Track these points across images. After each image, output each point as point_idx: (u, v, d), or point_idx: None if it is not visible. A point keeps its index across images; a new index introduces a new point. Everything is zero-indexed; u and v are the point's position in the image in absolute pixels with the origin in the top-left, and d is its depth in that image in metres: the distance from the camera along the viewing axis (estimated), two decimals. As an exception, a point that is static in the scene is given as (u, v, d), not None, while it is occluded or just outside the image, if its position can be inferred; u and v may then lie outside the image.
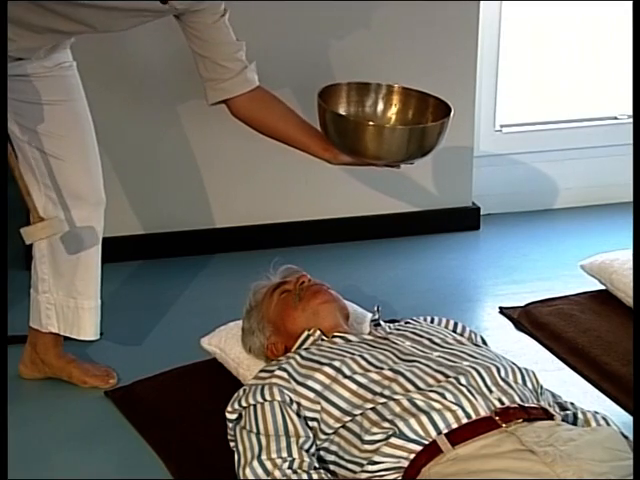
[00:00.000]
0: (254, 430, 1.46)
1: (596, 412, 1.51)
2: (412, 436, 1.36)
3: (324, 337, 1.65)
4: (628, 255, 2.17)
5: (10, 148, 1.65)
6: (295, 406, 1.48)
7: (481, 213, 2.76)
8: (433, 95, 1.69)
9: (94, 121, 1.81)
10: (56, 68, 1.72)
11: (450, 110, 1.63)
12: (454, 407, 1.38)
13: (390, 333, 1.64)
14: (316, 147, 1.67)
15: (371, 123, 1.61)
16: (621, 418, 1.66)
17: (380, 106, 1.70)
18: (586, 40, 2.79)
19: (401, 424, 1.37)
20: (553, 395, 1.59)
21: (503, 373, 1.47)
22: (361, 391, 1.46)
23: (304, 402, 1.48)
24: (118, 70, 2.38)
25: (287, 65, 2.46)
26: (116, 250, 2.47)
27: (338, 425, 1.45)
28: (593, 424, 1.47)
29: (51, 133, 1.72)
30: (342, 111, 1.67)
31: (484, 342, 1.71)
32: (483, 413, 1.37)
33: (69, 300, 1.84)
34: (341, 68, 2.50)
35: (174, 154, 2.49)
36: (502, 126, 2.82)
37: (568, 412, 1.50)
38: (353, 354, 1.54)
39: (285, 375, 1.52)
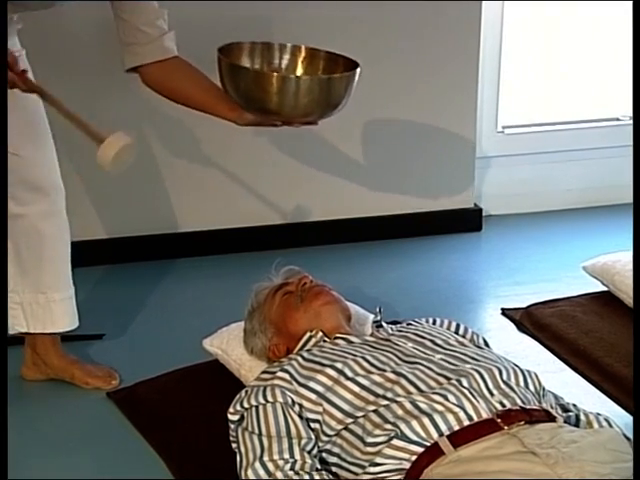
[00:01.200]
0: (256, 431, 1.46)
1: (598, 414, 1.51)
2: (414, 438, 1.36)
3: (326, 338, 1.65)
4: (630, 256, 2.16)
5: (52, 100, 1.53)
6: (297, 407, 1.48)
7: (483, 214, 2.77)
8: (342, 55, 1.61)
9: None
10: None
11: (358, 66, 1.56)
12: (456, 409, 1.38)
13: (392, 335, 1.64)
14: (222, 108, 1.60)
15: (274, 74, 1.53)
16: (623, 419, 1.66)
17: (286, 64, 1.63)
18: (588, 41, 2.79)
19: (403, 426, 1.37)
20: (555, 397, 1.59)
21: (505, 375, 1.47)
22: (363, 393, 1.46)
23: (306, 404, 1.48)
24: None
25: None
26: (117, 251, 2.49)
27: (340, 427, 1.45)
28: (595, 426, 1.47)
29: (15, 128, 1.66)
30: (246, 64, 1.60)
31: (486, 344, 1.71)
32: (485, 415, 1.37)
33: (38, 296, 1.81)
34: None
35: (176, 154, 2.49)
36: (504, 127, 2.82)
37: (570, 414, 1.50)
38: (355, 356, 1.54)
39: (287, 376, 1.52)
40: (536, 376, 1.51)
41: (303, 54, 1.64)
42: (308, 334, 1.66)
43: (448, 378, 1.45)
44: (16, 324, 1.84)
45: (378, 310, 1.75)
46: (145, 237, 2.52)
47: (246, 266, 2.43)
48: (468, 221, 2.74)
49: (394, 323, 1.80)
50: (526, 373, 1.50)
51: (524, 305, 2.21)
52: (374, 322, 1.74)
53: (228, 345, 1.84)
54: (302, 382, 1.50)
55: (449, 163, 2.68)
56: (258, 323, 1.75)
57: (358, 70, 1.57)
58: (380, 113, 2.59)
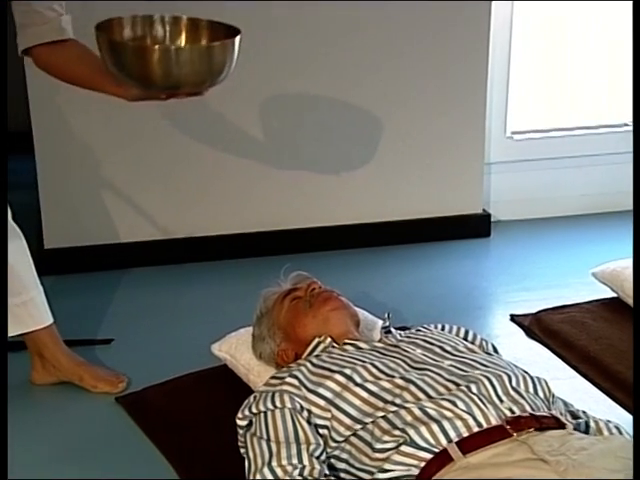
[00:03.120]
0: (264, 437, 1.46)
1: (608, 421, 1.51)
2: (423, 444, 1.36)
3: (335, 344, 1.65)
4: (640, 263, 2.15)
5: None
6: (306, 413, 1.48)
7: (492, 220, 2.76)
8: (223, 23, 1.58)
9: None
10: None
11: (239, 32, 1.53)
12: (465, 415, 1.38)
13: (401, 341, 1.64)
14: (109, 85, 1.57)
15: (154, 46, 1.51)
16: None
17: (168, 36, 1.60)
18: (597, 47, 2.78)
19: (412, 432, 1.36)
20: (565, 403, 1.58)
21: (514, 382, 1.47)
22: (372, 399, 1.46)
23: (315, 409, 1.48)
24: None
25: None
26: (126, 256, 2.49)
27: (349, 433, 1.44)
28: (605, 433, 1.46)
29: None
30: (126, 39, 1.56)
31: (495, 350, 1.71)
32: (494, 422, 1.37)
33: (13, 299, 1.79)
34: (343, 70, 2.50)
35: (185, 160, 2.50)
36: (513, 133, 2.81)
37: (580, 421, 1.49)
38: (364, 362, 1.53)
39: (296, 382, 1.52)
40: (545, 383, 1.51)
41: (184, 24, 1.60)
42: (317, 340, 1.66)
43: (457, 384, 1.45)
44: None
45: (387, 316, 1.75)
46: (154, 242, 2.52)
47: (255, 271, 2.43)
48: (477, 227, 2.73)
49: (403, 329, 1.79)
50: (535, 380, 1.50)
51: (533, 311, 2.20)
52: (383, 328, 1.74)
53: (237, 350, 1.84)
54: (311, 388, 1.50)
55: (458, 168, 2.68)
56: (267, 328, 1.75)
57: (238, 37, 1.52)
58: (388, 118, 2.59)
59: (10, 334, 1.83)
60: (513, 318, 2.21)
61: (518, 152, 2.81)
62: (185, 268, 2.50)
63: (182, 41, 1.59)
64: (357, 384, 1.48)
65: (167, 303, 2.31)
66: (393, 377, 1.49)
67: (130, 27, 1.58)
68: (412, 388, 1.45)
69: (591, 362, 1.95)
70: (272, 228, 2.59)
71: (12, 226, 1.81)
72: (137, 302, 2.30)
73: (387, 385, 1.47)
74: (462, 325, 1.75)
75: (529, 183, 2.83)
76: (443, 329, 1.73)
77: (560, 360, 2.01)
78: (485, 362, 1.53)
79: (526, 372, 1.52)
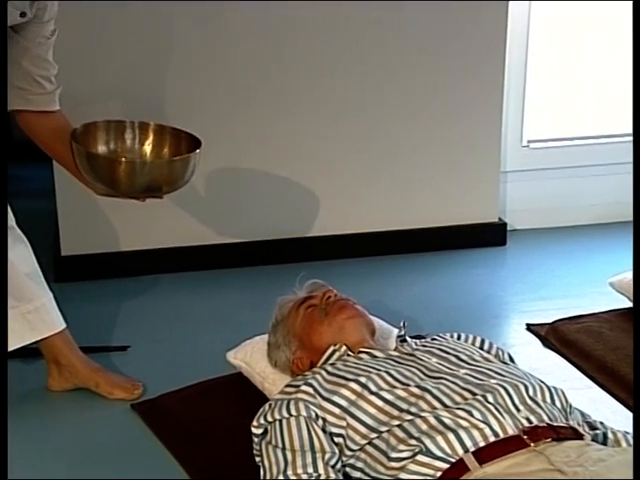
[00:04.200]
0: (280, 445, 1.46)
1: (626, 432, 1.49)
2: (439, 454, 1.35)
3: (350, 352, 1.64)
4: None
5: None
6: (321, 422, 1.47)
7: (508, 229, 2.75)
8: (185, 131, 1.77)
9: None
10: None
11: (199, 146, 1.70)
12: (481, 425, 1.37)
13: (416, 349, 1.63)
14: (83, 178, 1.72)
15: (121, 159, 1.68)
16: (652, 438, 1.63)
17: (137, 142, 1.78)
18: (614, 55, 2.77)
19: (428, 441, 1.36)
20: (582, 414, 1.57)
21: (531, 392, 1.46)
22: (387, 408, 1.45)
23: (330, 418, 1.48)
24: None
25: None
26: (142, 263, 2.50)
27: (364, 442, 1.44)
28: (623, 444, 1.45)
29: None
30: (100, 148, 1.76)
31: (511, 359, 1.70)
32: (511, 432, 1.36)
33: (27, 306, 1.81)
34: (358, 77, 2.50)
35: (200, 168, 2.50)
36: (529, 142, 2.80)
37: (598, 431, 1.48)
38: (379, 370, 1.53)
39: (311, 390, 1.51)
40: (562, 393, 1.50)
41: (151, 132, 1.78)
42: (332, 348, 1.66)
43: (473, 393, 1.44)
44: (12, 343, 1.81)
45: (402, 324, 1.75)
46: (169, 249, 2.53)
47: (270, 279, 2.44)
48: (493, 235, 2.73)
49: (418, 337, 1.79)
50: (552, 390, 1.49)
51: (549, 320, 2.19)
52: (398, 336, 1.73)
53: (252, 358, 1.84)
54: (326, 396, 1.50)
55: (474, 177, 2.67)
56: (282, 336, 1.75)
57: (198, 151, 1.70)
58: (403, 126, 2.59)
59: (25, 342, 1.84)
60: (529, 327, 2.20)
61: (534, 161, 2.80)
62: (201, 276, 2.51)
63: (148, 148, 1.77)
64: (372, 392, 1.48)
65: (183, 310, 2.31)
66: (409, 386, 1.48)
67: (104, 132, 1.76)
68: (428, 397, 1.44)
69: (608, 372, 1.93)
70: (288, 236, 2.59)
71: (17, 232, 1.82)
72: (153, 309, 2.30)
73: (403, 394, 1.47)
74: (478, 334, 1.75)
75: (545, 192, 2.82)
76: (459, 338, 1.72)
77: (577, 370, 1.99)
78: (501, 371, 1.52)
79: (543, 382, 1.51)
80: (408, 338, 1.71)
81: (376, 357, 1.60)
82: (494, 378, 1.49)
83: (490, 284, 2.49)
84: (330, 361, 1.63)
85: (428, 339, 1.72)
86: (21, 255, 1.81)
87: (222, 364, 1.89)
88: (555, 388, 1.50)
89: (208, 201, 2.53)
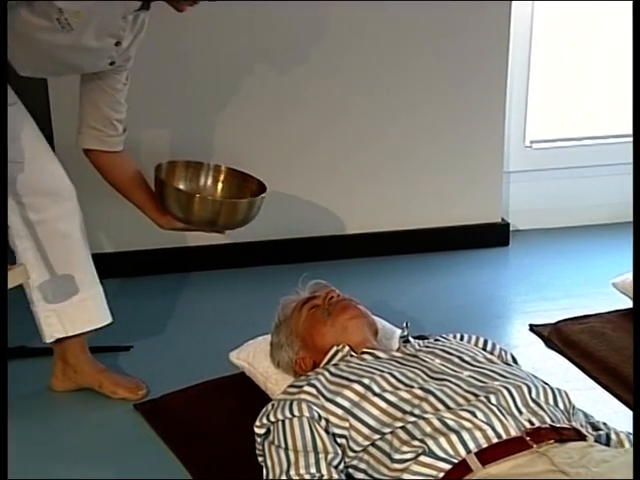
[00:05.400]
0: (282, 445, 1.46)
1: (630, 433, 1.49)
2: (442, 455, 1.35)
3: (353, 353, 1.64)
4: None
5: None
6: (323, 422, 1.47)
7: (511, 229, 2.75)
8: (253, 176, 1.95)
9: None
10: None
11: (264, 190, 1.88)
12: (484, 426, 1.37)
13: (419, 350, 1.63)
14: (154, 212, 1.86)
15: (196, 195, 1.85)
16: (655, 439, 1.63)
17: (210, 182, 1.97)
18: (617, 55, 2.77)
19: (431, 442, 1.36)
20: (585, 415, 1.57)
21: (534, 393, 1.45)
22: (391, 409, 1.45)
23: (332, 419, 1.48)
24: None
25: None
26: (146, 263, 2.50)
27: (367, 443, 1.44)
28: (627, 445, 1.44)
29: (10, 139, 1.69)
30: (179, 184, 1.93)
31: (514, 360, 1.70)
32: (514, 433, 1.36)
33: (71, 298, 1.83)
34: (359, 77, 2.49)
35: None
36: (532, 142, 2.80)
37: (601, 432, 1.47)
38: (382, 371, 1.53)
39: (314, 391, 1.51)
40: (566, 394, 1.50)
41: (223, 173, 1.97)
42: (335, 348, 1.66)
43: (476, 395, 1.44)
44: (54, 331, 1.86)
45: (405, 325, 1.75)
46: (171, 250, 2.54)
47: (272, 279, 2.44)
48: (495, 236, 2.72)
49: (421, 338, 1.79)
50: (556, 391, 1.48)
51: (552, 321, 2.19)
52: (401, 337, 1.73)
53: (255, 358, 1.84)
54: (329, 397, 1.50)
55: (477, 177, 2.67)
56: (285, 336, 1.75)
57: (263, 196, 1.87)
58: (406, 126, 2.59)
59: (85, 329, 1.87)
60: (532, 328, 2.20)
61: (537, 161, 2.80)
62: (203, 276, 2.51)
63: (219, 188, 1.96)
64: (375, 394, 1.48)
65: (185, 310, 2.31)
66: (412, 387, 1.48)
67: (183, 170, 1.95)
68: (431, 399, 1.44)
69: (611, 373, 1.93)
70: (290, 236, 2.59)
71: (81, 217, 1.86)
72: (156, 309, 2.31)
73: (406, 395, 1.46)
74: (481, 335, 1.74)
75: (548, 192, 2.81)
76: (462, 339, 1.72)
77: (580, 371, 1.99)
78: (504, 373, 1.52)
79: (546, 383, 1.51)
80: (411, 339, 1.71)
81: (379, 358, 1.60)
82: (497, 380, 1.49)
83: (493, 284, 2.49)
84: (333, 362, 1.63)
85: (431, 340, 1.72)
86: (86, 240, 1.87)
87: (225, 364, 1.89)
88: (558, 389, 1.49)
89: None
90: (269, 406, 1.54)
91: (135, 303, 2.34)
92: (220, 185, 1.96)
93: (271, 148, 2.53)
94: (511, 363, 1.66)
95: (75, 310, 1.85)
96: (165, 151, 2.37)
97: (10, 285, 1.67)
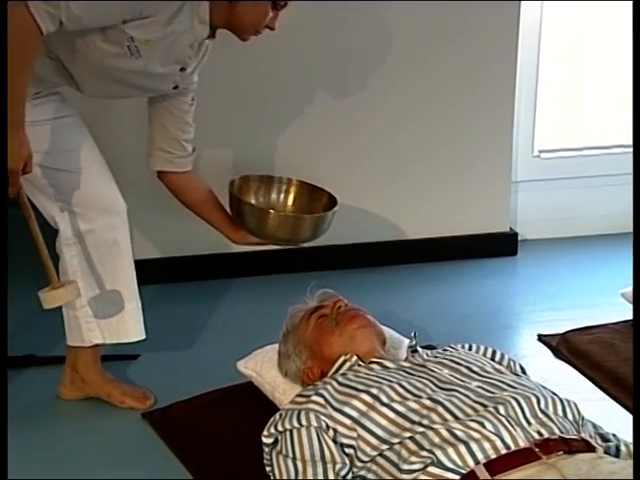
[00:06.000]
0: (290, 455, 1.45)
1: (640, 444, 1.48)
2: (450, 465, 1.34)
3: (361, 362, 1.64)
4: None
5: (28, 213, 1.66)
6: (331, 432, 1.47)
7: (519, 239, 2.74)
8: (324, 189, 1.96)
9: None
10: None
11: (335, 204, 1.89)
12: (493, 437, 1.36)
13: (428, 360, 1.63)
14: (227, 229, 1.90)
15: (270, 211, 1.88)
16: (664, 451, 1.62)
17: (282, 196, 1.99)
18: (625, 65, 2.77)
19: (439, 453, 1.35)
20: (594, 426, 1.56)
21: (543, 404, 1.45)
22: (399, 420, 1.45)
23: (340, 429, 1.47)
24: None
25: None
26: (154, 272, 2.50)
27: (375, 453, 1.43)
28: (637, 457, 1.44)
29: (63, 149, 1.76)
30: (251, 199, 1.96)
31: (523, 371, 1.69)
32: (522, 444, 1.35)
33: (110, 307, 1.86)
34: (366, 87, 2.50)
35: (211, 178, 2.51)
36: (540, 152, 2.80)
37: (610, 444, 1.47)
38: (391, 381, 1.53)
39: (322, 401, 1.51)
40: (575, 405, 1.49)
41: (294, 187, 1.99)
42: (343, 358, 1.65)
43: (485, 405, 1.44)
44: (93, 337, 1.88)
45: (413, 335, 1.74)
46: (180, 258, 2.54)
47: (281, 288, 2.44)
48: (504, 245, 2.72)
49: (429, 348, 1.78)
50: (565, 402, 1.48)
51: (561, 331, 2.18)
52: (409, 347, 1.73)
53: (262, 368, 1.84)
54: (337, 407, 1.50)
55: (485, 187, 2.67)
56: (293, 346, 1.75)
57: (335, 209, 1.88)
58: (414, 136, 2.59)
59: (122, 340, 1.90)
60: (540, 338, 2.19)
61: (545, 171, 2.80)
62: (211, 284, 2.51)
63: (290, 202, 1.99)
64: (384, 404, 1.47)
65: (193, 319, 2.32)
66: (420, 397, 1.48)
67: (256, 184, 1.97)
68: (439, 409, 1.44)
69: (620, 384, 1.92)
70: (297, 245, 2.59)
71: (128, 231, 1.89)
72: (163, 318, 2.31)
73: (414, 405, 1.46)
74: (489, 345, 1.74)
75: (556, 202, 2.81)
76: (470, 349, 1.72)
77: (589, 381, 1.98)
78: (513, 383, 1.51)
79: (555, 394, 1.51)
80: (419, 348, 1.71)
81: (387, 368, 1.60)
82: (506, 390, 1.48)
83: (501, 294, 2.49)
84: (341, 371, 1.63)
85: (439, 350, 1.71)
86: (131, 253, 1.90)
87: (233, 373, 1.89)
88: (567, 400, 1.49)
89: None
90: (277, 416, 1.54)
91: (144, 312, 2.34)
92: (292, 198, 1.98)
93: (274, 156, 2.53)
94: (520, 374, 1.66)
95: (116, 320, 1.87)
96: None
97: (61, 302, 1.71)
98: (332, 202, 1.91)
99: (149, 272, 2.47)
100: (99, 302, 1.86)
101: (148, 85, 1.72)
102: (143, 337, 1.92)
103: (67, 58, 1.65)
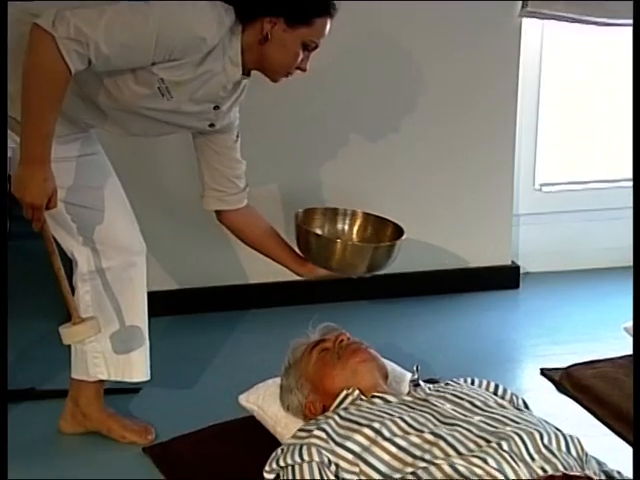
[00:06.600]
0: (292, 491, 1.44)
1: (644, 482, 1.47)
2: (453, 502, 1.33)
3: (363, 397, 1.64)
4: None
5: (51, 248, 1.65)
6: (333, 467, 1.46)
7: (521, 272, 2.75)
8: (390, 220, 1.93)
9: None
10: None
11: (402, 234, 1.86)
12: (496, 473, 1.35)
13: (430, 395, 1.62)
14: (293, 263, 1.86)
15: (337, 240, 1.84)
16: (669, 488, 1.60)
17: (347, 227, 1.96)
18: (626, 98, 2.79)
19: (442, 489, 1.34)
20: (599, 463, 1.55)
21: (546, 440, 1.44)
22: (401, 454, 1.44)
23: (342, 463, 1.46)
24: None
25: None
26: (154, 304, 2.50)
27: (377, 489, 1.42)
28: (641, 494, 1.42)
29: (87, 186, 1.77)
30: (317, 230, 1.92)
31: (526, 406, 1.68)
32: (526, 480, 1.34)
33: (118, 345, 1.86)
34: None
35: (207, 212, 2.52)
36: (542, 185, 2.81)
37: (614, 481, 1.46)
38: (393, 416, 1.52)
39: (324, 435, 1.50)
40: (578, 441, 1.48)
41: (359, 218, 1.96)
42: (345, 392, 1.65)
43: (488, 441, 1.43)
44: (98, 372, 1.88)
45: (415, 369, 1.74)
46: (180, 291, 2.54)
47: (282, 321, 2.44)
48: (505, 278, 2.72)
49: (431, 382, 1.78)
50: (568, 438, 1.47)
51: (564, 365, 2.17)
52: (411, 381, 1.72)
53: (264, 401, 1.84)
54: (339, 441, 1.49)
55: (486, 220, 2.68)
56: (294, 380, 1.74)
57: (403, 238, 1.84)
58: (416, 167, 2.60)
59: (126, 379, 1.89)
60: (543, 372, 2.18)
61: (547, 204, 2.81)
62: (212, 317, 2.51)
63: (355, 233, 1.95)
64: (386, 438, 1.47)
65: (195, 352, 2.31)
66: (422, 432, 1.47)
67: (321, 216, 1.95)
68: (442, 444, 1.43)
69: (624, 419, 1.91)
70: (299, 278, 2.59)
71: (144, 272, 1.88)
72: (165, 351, 2.29)
73: (416, 440, 1.45)
74: (491, 379, 1.73)
75: (558, 235, 2.82)
76: (473, 383, 1.71)
77: (592, 417, 1.97)
78: (516, 418, 1.51)
79: (558, 430, 1.50)
80: (421, 382, 1.70)
81: (389, 402, 1.59)
82: (509, 425, 1.47)
83: (503, 328, 2.48)
84: (343, 405, 1.62)
85: (442, 384, 1.71)
86: (145, 294, 1.89)
87: (234, 407, 1.88)
88: (571, 436, 1.48)
89: (219, 243, 2.54)
90: (279, 450, 1.53)
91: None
92: (357, 229, 1.95)
93: (266, 190, 2.54)
94: (522, 408, 1.65)
95: (122, 358, 1.87)
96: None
97: (82, 338, 1.70)
98: (398, 233, 1.88)
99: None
100: (108, 339, 1.85)
101: (182, 123, 1.72)
102: (147, 379, 1.91)
103: (100, 99, 1.64)
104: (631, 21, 2.44)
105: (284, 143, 2.49)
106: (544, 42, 2.68)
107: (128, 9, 1.53)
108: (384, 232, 1.91)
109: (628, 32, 2.53)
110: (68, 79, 1.52)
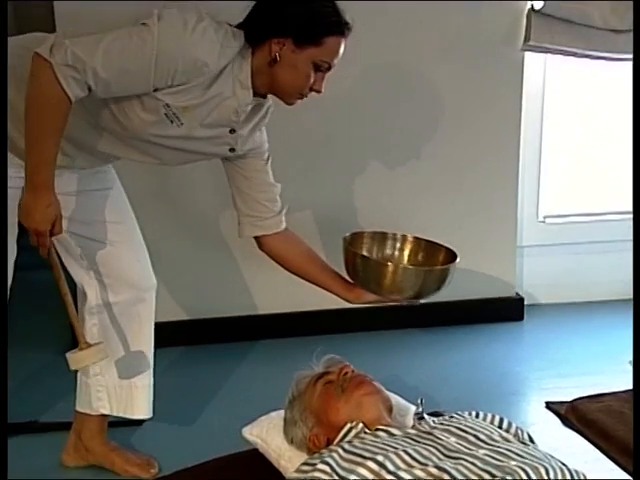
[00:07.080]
0: (295, 526, 1.43)
1: (650, 517, 1.45)
2: (458, 538, 1.32)
3: (367, 430, 1.63)
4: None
5: (58, 274, 1.64)
6: (337, 501, 1.45)
7: (525, 304, 2.74)
8: (441, 244, 1.87)
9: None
10: None
11: (456, 257, 1.78)
12: (501, 508, 1.34)
13: (434, 428, 1.61)
14: (340, 288, 1.78)
15: (388, 263, 1.76)
16: (677, 524, 1.58)
17: (396, 252, 1.88)
18: (629, 130, 2.81)
19: (447, 525, 1.33)
20: (605, 498, 1.54)
21: (552, 474, 1.43)
22: (405, 489, 1.42)
23: (346, 497, 1.45)
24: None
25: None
26: (163, 335, 2.50)
27: (382, 524, 1.41)
28: (648, 530, 1.41)
29: (100, 221, 1.78)
30: (364, 253, 1.84)
31: (531, 439, 1.67)
32: (531, 516, 1.33)
33: (122, 380, 1.86)
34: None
35: (217, 242, 2.53)
36: (545, 217, 2.82)
37: (621, 517, 1.44)
38: (397, 449, 1.51)
39: (327, 469, 1.49)
40: (584, 476, 1.47)
41: (409, 243, 1.89)
42: (349, 425, 1.64)
43: (492, 475, 1.41)
44: (100, 406, 1.88)
45: (420, 402, 1.73)
46: (182, 322, 2.54)
47: (286, 352, 2.43)
48: (510, 310, 2.72)
49: (435, 414, 1.77)
50: (573, 472, 1.46)
51: (569, 398, 2.16)
52: (416, 414, 1.71)
53: (268, 434, 1.82)
54: (343, 475, 1.48)
55: (491, 252, 2.68)
56: (298, 412, 1.73)
57: (455, 262, 1.77)
58: (423, 202, 2.61)
59: (127, 415, 1.88)
60: (548, 405, 2.17)
61: (551, 236, 2.82)
62: (215, 349, 2.50)
63: (406, 257, 1.88)
64: (390, 472, 1.45)
65: (198, 384, 2.30)
66: (427, 465, 1.46)
67: (369, 240, 1.87)
68: (446, 477, 1.42)
69: (630, 454, 1.88)
70: (303, 309, 2.60)
71: (153, 309, 1.88)
72: (167, 383, 2.29)
73: (421, 474, 1.44)
74: (496, 411, 1.72)
75: (562, 267, 2.82)
76: (477, 416, 1.70)
77: (598, 451, 1.96)
78: (521, 452, 1.49)
79: (564, 464, 1.49)
80: (426, 416, 1.69)
81: (394, 435, 1.58)
82: (514, 459, 1.46)
83: (508, 360, 2.47)
84: (347, 438, 1.61)
85: (446, 417, 1.70)
86: (152, 330, 1.87)
87: (238, 440, 1.86)
88: (576, 471, 1.47)
89: (219, 274, 2.55)
90: (282, 484, 1.52)
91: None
92: (407, 254, 1.88)
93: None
94: (528, 442, 1.64)
95: (125, 393, 1.87)
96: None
97: (89, 363, 1.70)
98: (451, 258, 1.81)
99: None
100: (112, 374, 1.85)
101: (199, 149, 1.68)
102: (149, 416, 1.90)
103: (111, 128, 1.62)
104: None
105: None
106: (547, 75, 2.71)
107: (127, 34, 1.50)
108: (436, 257, 1.84)
109: (630, 66, 2.55)
110: (68, 106, 1.50)
